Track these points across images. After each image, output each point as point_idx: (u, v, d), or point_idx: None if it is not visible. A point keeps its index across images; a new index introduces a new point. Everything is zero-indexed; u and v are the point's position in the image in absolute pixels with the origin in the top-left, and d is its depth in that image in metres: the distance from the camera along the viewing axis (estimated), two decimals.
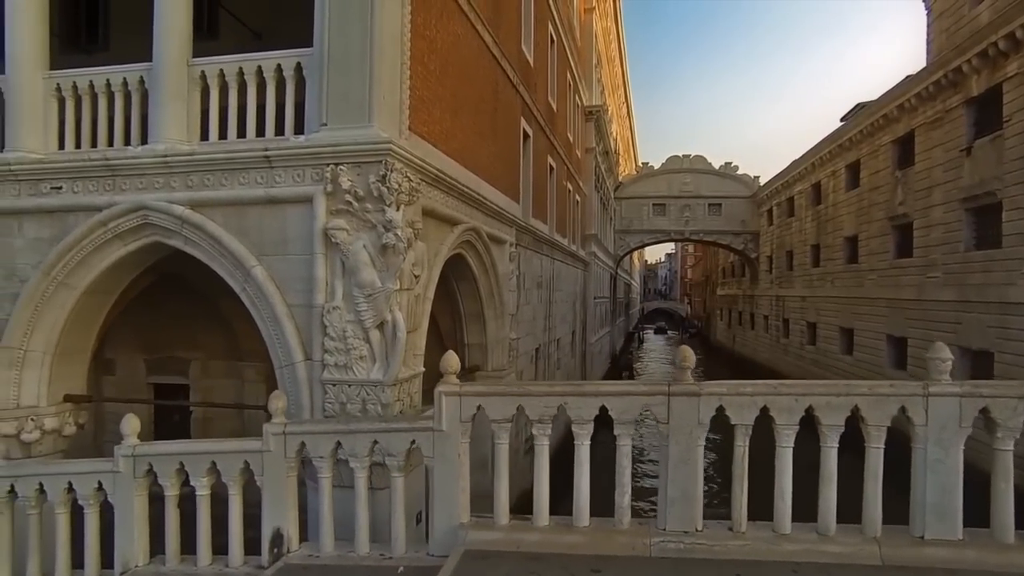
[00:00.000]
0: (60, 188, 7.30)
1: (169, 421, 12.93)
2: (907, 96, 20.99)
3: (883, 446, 4.76)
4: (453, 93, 8.81)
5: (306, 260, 6.43)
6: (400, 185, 6.19)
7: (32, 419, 7.40)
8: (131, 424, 5.52)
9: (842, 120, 29.29)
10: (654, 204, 42.09)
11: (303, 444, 5.18)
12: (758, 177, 41.88)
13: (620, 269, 47.78)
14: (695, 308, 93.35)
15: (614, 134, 41.80)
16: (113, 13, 12.60)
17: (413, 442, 5.06)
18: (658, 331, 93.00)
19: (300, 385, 6.39)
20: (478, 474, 6.43)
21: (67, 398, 7.79)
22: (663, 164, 42.43)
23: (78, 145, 7.59)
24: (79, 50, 11.72)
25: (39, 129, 7.55)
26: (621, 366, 42.97)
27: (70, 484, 5.53)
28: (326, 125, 6.50)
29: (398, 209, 6.19)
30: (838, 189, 27.97)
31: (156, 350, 12.85)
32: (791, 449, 4.90)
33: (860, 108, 27.00)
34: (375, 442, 5.09)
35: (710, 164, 42.15)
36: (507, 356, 11.50)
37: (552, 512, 5.29)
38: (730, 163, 42.04)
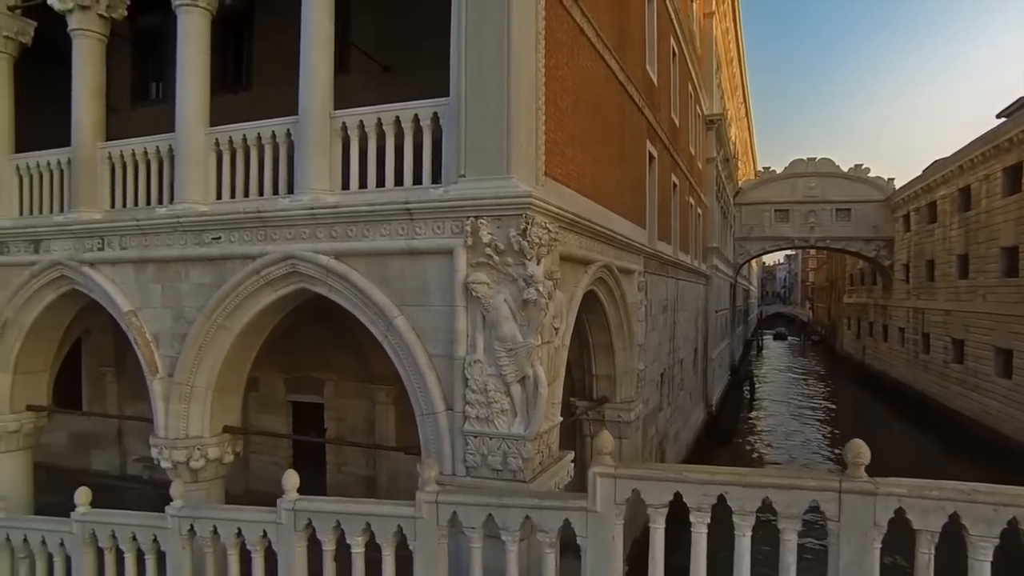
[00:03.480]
0: (219, 238, 7.82)
1: (306, 436, 13.66)
2: None
3: None
4: (583, 129, 8.65)
5: (447, 311, 6.48)
6: (540, 238, 6.10)
7: (198, 448, 8.01)
8: (291, 480, 5.78)
9: (1000, 116, 26.35)
10: (776, 210, 39.88)
11: (455, 513, 5.19)
12: (893, 180, 38.64)
13: (739, 276, 45.69)
14: (818, 314, 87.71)
15: (732, 138, 40.03)
16: (256, 56, 13.49)
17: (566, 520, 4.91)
18: (777, 337, 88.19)
19: (442, 435, 6.44)
20: None
21: (226, 429, 8.36)
22: (786, 168, 40.15)
23: (233, 195, 8.11)
24: (226, 90, 12.62)
25: (201, 182, 8.15)
26: (741, 377, 41.04)
27: (239, 529, 5.89)
28: (464, 176, 6.52)
29: (538, 263, 6.10)
30: (993, 194, 25.17)
31: (294, 370, 13.61)
32: (989, 564, 4.25)
33: None
34: (527, 517, 5.00)
35: (838, 167, 39.39)
36: (635, 387, 11.18)
37: None
38: (860, 165, 39.08)
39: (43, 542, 7.12)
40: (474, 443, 6.29)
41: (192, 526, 6.18)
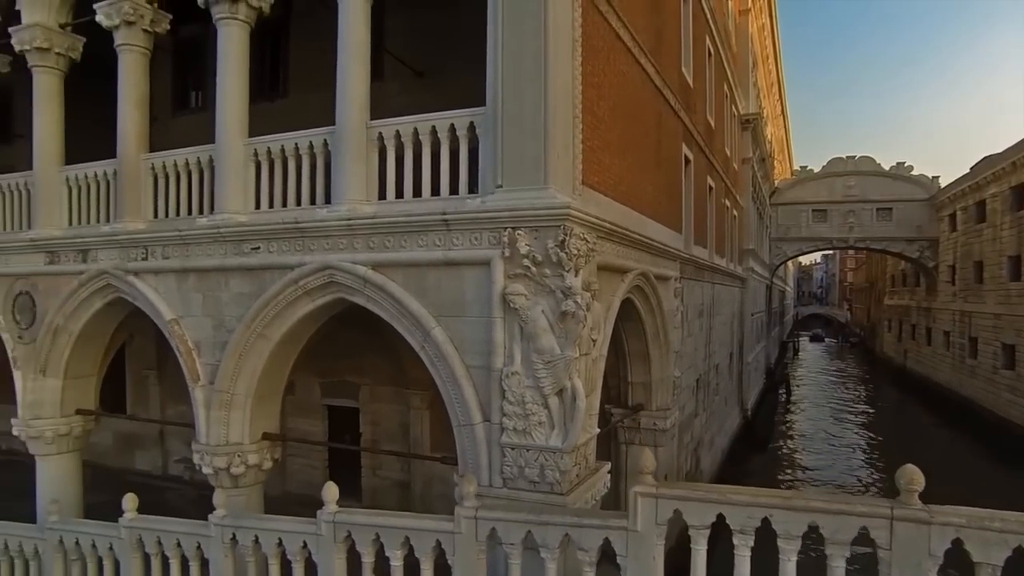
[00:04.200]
0: (258, 248, 7.93)
1: (341, 440, 13.80)
2: None
3: None
4: (620, 135, 8.56)
5: (484, 322, 6.46)
6: (578, 249, 6.05)
7: (238, 455, 8.13)
8: (331, 492, 5.84)
9: None
10: (814, 210, 39.02)
11: (494, 529, 5.17)
12: (937, 178, 37.46)
13: (775, 277, 44.86)
14: (856, 316, 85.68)
15: (768, 136, 39.32)
16: (292, 63, 13.67)
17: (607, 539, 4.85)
18: (814, 338, 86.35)
19: (479, 446, 6.43)
20: None
21: (265, 436, 8.48)
22: (824, 167, 39.26)
23: (271, 205, 8.21)
24: (263, 97, 12.82)
25: (240, 192, 8.26)
26: (777, 380, 40.30)
27: (280, 539, 5.97)
28: (501, 186, 6.49)
29: (576, 274, 6.04)
30: None
31: (330, 374, 13.75)
32: None
33: None
34: (566, 534, 4.96)
35: (879, 165, 38.37)
36: (671, 395, 11.03)
37: None
38: (903, 163, 37.98)
39: (93, 545, 7.32)
40: (511, 455, 6.26)
41: (235, 535, 6.28)
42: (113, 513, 9.39)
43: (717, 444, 18.64)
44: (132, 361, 16.14)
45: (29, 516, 9.76)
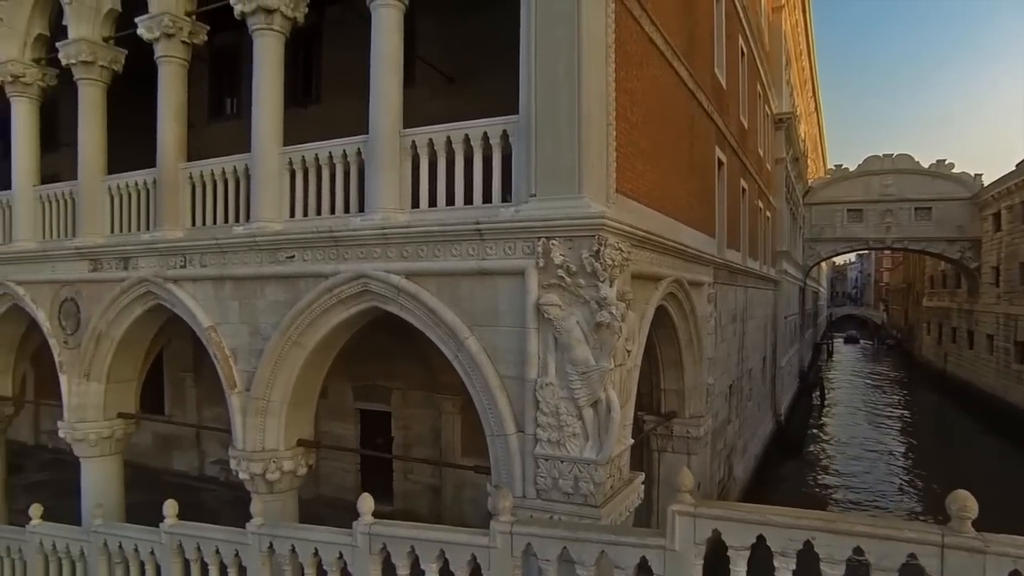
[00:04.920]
0: (293, 257, 8.02)
1: (373, 443, 13.93)
2: None
3: None
4: (653, 141, 8.46)
5: (518, 332, 6.43)
6: (613, 259, 5.99)
7: (274, 461, 8.25)
8: (366, 504, 5.87)
9: None
10: (849, 210, 38.13)
11: (529, 544, 5.14)
12: (980, 176, 36.32)
13: (808, 278, 44.04)
14: (893, 317, 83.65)
15: (802, 134, 38.60)
16: (324, 70, 13.83)
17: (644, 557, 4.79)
18: (849, 340, 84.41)
19: (512, 456, 6.41)
20: None
21: (300, 442, 8.58)
22: (860, 166, 38.35)
23: (305, 213, 8.29)
24: (296, 103, 13.00)
25: (275, 200, 8.35)
26: (810, 383, 39.53)
27: (316, 549, 6.02)
28: (535, 195, 6.46)
29: (611, 284, 5.98)
30: None
31: (362, 379, 13.89)
32: None
33: None
34: (603, 552, 4.90)
35: (917, 163, 37.36)
36: (704, 402, 10.88)
37: None
38: (943, 160, 36.90)
39: (135, 549, 7.48)
40: (545, 466, 6.23)
41: (272, 544, 6.35)
42: (153, 512, 9.60)
43: (750, 450, 18.35)
44: (170, 363, 16.50)
45: (75, 514, 10.07)
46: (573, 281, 6.11)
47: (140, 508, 11.21)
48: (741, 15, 15.99)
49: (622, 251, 6.26)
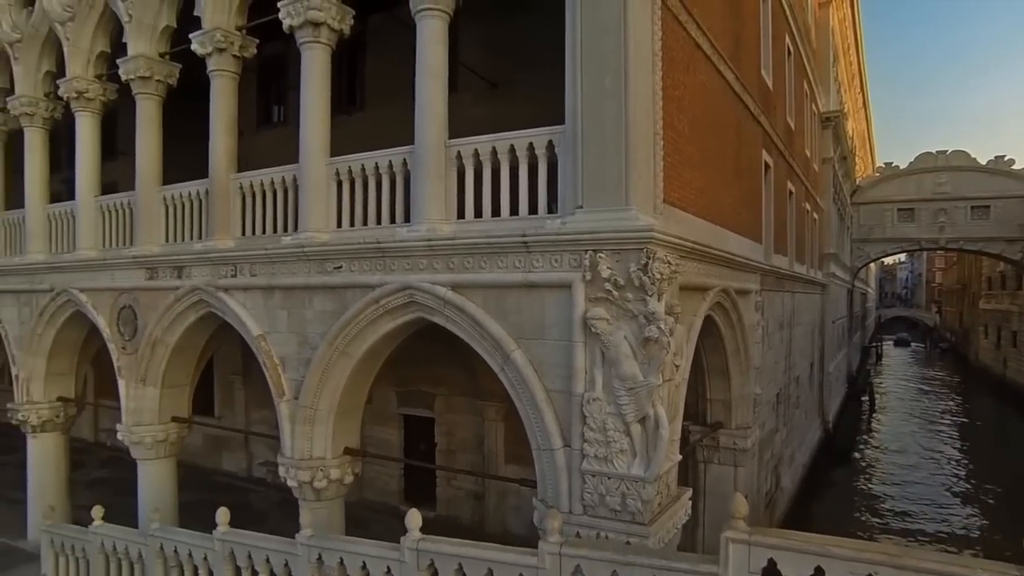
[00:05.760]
0: (340, 267, 8.13)
1: (416, 449, 14.04)
2: None
3: None
4: (700, 148, 8.32)
5: (564, 346, 6.39)
6: (661, 273, 5.90)
7: (321, 469, 8.37)
8: (414, 519, 5.91)
9: None
10: (899, 209, 36.78)
11: (578, 566, 5.10)
12: None
13: (856, 280, 42.80)
14: (947, 319, 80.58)
15: (849, 132, 37.52)
16: (368, 77, 14.00)
17: None
18: (899, 343, 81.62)
19: (559, 472, 6.37)
20: None
21: (346, 451, 8.70)
22: (911, 163, 37.00)
23: (352, 223, 8.39)
24: (340, 111, 13.20)
25: (323, 211, 8.48)
26: (859, 388, 38.41)
27: (364, 563, 6.09)
28: (582, 207, 6.42)
29: (659, 298, 5.89)
30: None
31: (405, 384, 14.00)
32: None
33: None
34: None
35: (973, 160, 35.87)
36: (751, 412, 10.64)
37: None
38: (1002, 157, 35.34)
39: (189, 554, 7.70)
40: (592, 482, 6.17)
41: (320, 555, 6.45)
42: (204, 512, 9.89)
43: (798, 460, 17.91)
44: (219, 366, 16.93)
45: (133, 511, 10.46)
46: (621, 295, 6.04)
47: (193, 507, 11.58)
48: (787, 13, 15.61)
49: (670, 264, 6.16)
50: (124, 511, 10.51)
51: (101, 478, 16.78)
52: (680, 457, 6.78)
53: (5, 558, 11.86)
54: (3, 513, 14.04)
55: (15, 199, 12.93)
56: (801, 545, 4.42)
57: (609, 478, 6.09)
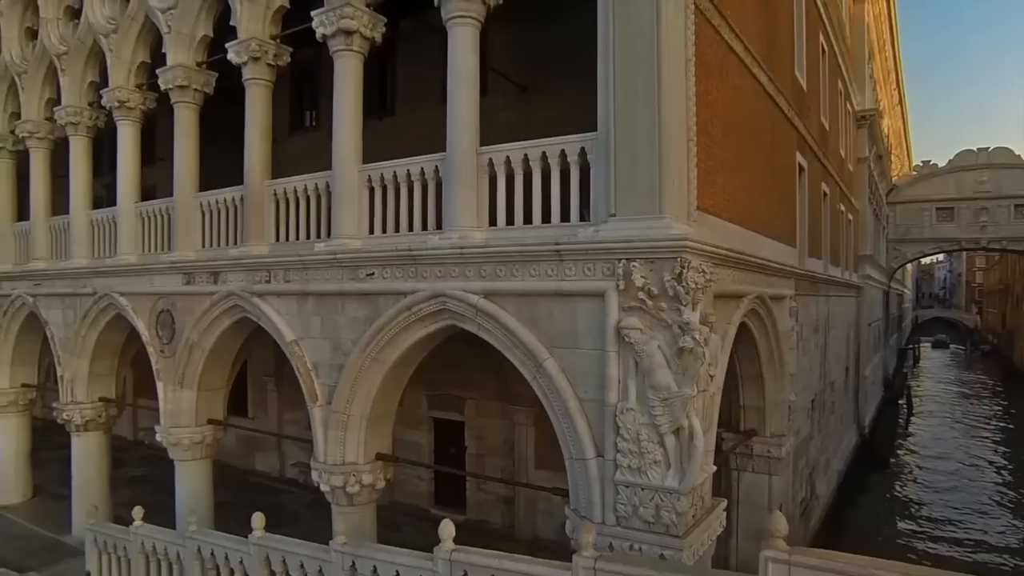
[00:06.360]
0: (372, 274, 8.20)
1: (447, 452, 14.08)
2: None
3: None
4: (733, 153, 8.21)
5: (597, 355, 6.35)
6: (696, 282, 5.83)
7: (353, 475, 8.45)
8: (447, 529, 5.94)
9: None
10: (938, 208, 35.74)
11: None
12: None
13: (892, 281, 41.81)
14: (988, 321, 78.33)
15: (885, 129, 36.67)
16: (399, 82, 14.10)
17: None
18: (937, 345, 79.25)
19: (591, 482, 6.34)
20: None
21: (378, 456, 8.77)
22: (951, 161, 35.93)
23: (384, 230, 8.45)
24: (371, 115, 13.32)
25: (355, 217, 8.56)
26: (896, 392, 37.51)
27: (397, 572, 6.13)
28: (615, 215, 6.38)
29: (694, 308, 5.83)
30: None
31: (435, 387, 14.04)
32: None
33: None
34: None
35: (1017, 156, 34.73)
36: (786, 420, 10.46)
37: None
38: None
39: (226, 558, 7.83)
40: (625, 493, 6.13)
41: (354, 563, 6.51)
42: (238, 512, 10.05)
43: (833, 467, 17.55)
44: (253, 368, 17.19)
45: (170, 508, 10.74)
46: (655, 304, 5.98)
47: (228, 507, 11.82)
48: (821, 11, 15.32)
49: (705, 273, 6.08)
50: (162, 508, 10.78)
51: (140, 475, 17.19)
52: (715, 468, 6.69)
53: (52, 552, 12.26)
54: (49, 508, 14.53)
55: (60, 205, 13.32)
56: (844, 567, 4.30)
57: (643, 489, 6.04)
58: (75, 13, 12.26)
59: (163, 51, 10.56)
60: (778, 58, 10.88)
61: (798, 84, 12.52)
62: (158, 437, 10.85)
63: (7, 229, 14.45)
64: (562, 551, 6.15)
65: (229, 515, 11.12)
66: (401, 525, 12.76)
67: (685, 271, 5.82)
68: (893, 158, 43.56)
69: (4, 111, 14.22)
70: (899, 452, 26.94)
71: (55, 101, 12.93)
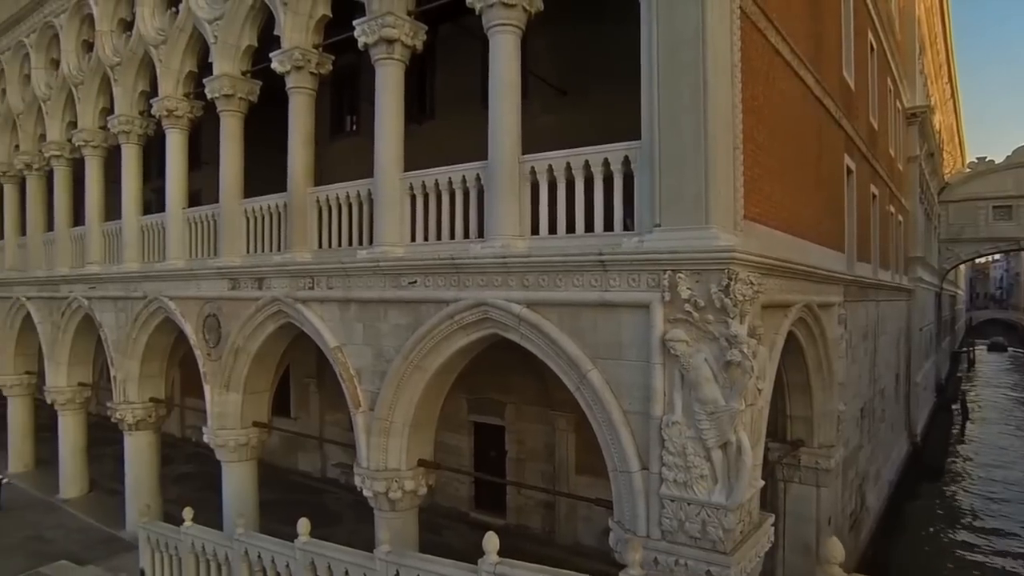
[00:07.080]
0: (415, 282, 8.23)
1: (487, 457, 14.10)
2: None
3: None
4: (780, 159, 8.00)
5: (642, 367, 6.26)
6: (743, 294, 5.70)
7: (396, 481, 8.52)
8: (491, 542, 5.94)
9: None
10: (995, 207, 34.43)
11: None
12: None
13: (944, 282, 40.35)
14: None
15: (936, 126, 35.40)
16: (438, 86, 14.18)
17: None
18: (993, 347, 75.81)
19: (636, 495, 6.25)
20: None
21: (420, 463, 8.82)
22: (1008, 157, 34.56)
23: (426, 237, 8.47)
24: (411, 120, 13.41)
25: (397, 225, 8.60)
26: (949, 398, 36.18)
27: None
28: (659, 225, 6.27)
29: (742, 321, 5.69)
30: None
31: (476, 391, 14.04)
32: None
33: None
34: None
35: None
36: (835, 430, 10.16)
37: None
38: None
39: (272, 561, 7.98)
40: (671, 507, 6.02)
41: (399, 572, 6.56)
42: (283, 512, 10.18)
43: (883, 477, 17.02)
44: (295, 369, 17.52)
45: (217, 505, 11.02)
46: (701, 316, 5.86)
47: (272, 507, 12.07)
48: (870, 7, 14.85)
49: (752, 284, 5.94)
50: (209, 506, 11.08)
51: (188, 472, 17.69)
52: (763, 483, 6.54)
53: (107, 546, 12.72)
54: (105, 502, 15.09)
55: (112, 210, 13.77)
56: None
57: (689, 504, 5.93)
58: (127, 25, 12.66)
59: (209, 60, 10.81)
60: (825, 58, 10.58)
61: (846, 84, 12.17)
62: (205, 439, 11.13)
63: (65, 233, 15.02)
64: (603, 557, 6.07)
65: (273, 515, 11.36)
66: (442, 529, 12.85)
67: (733, 283, 5.69)
68: (945, 155, 42.04)
69: (62, 120, 14.79)
70: (954, 460, 25.96)
71: (108, 110, 13.38)
